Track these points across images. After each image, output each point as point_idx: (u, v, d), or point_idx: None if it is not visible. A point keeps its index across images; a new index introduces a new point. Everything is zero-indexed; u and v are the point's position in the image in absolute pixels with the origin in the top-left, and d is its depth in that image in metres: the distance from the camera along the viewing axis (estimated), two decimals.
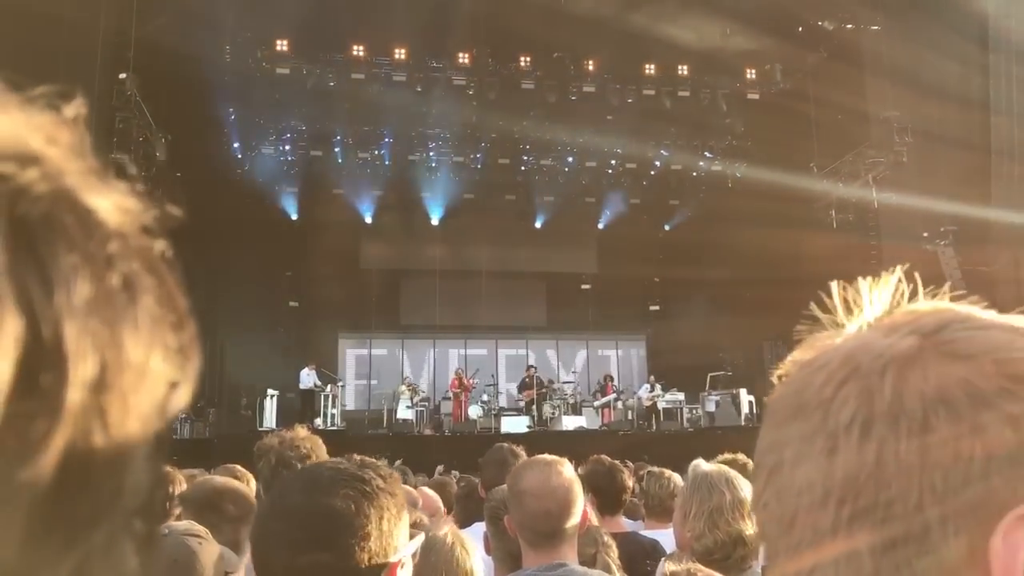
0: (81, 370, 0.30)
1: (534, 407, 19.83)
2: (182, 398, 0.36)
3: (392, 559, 1.45)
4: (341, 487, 1.45)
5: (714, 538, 2.66)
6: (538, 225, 24.80)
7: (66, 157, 0.32)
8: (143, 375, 0.33)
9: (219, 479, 3.28)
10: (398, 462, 10.43)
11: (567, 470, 2.60)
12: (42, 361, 0.29)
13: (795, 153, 19.96)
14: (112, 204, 0.33)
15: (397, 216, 24.32)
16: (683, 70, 21.04)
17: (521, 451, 4.50)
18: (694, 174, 23.68)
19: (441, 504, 5.10)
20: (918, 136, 17.65)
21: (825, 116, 19.17)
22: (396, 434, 18.31)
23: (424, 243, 24.12)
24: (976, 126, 16.49)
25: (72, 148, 0.33)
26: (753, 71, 21.19)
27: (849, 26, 19.27)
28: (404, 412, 19.55)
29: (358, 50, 20.09)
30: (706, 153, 23.60)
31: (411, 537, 1.54)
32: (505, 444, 4.70)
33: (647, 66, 20.94)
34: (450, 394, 20.76)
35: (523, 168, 23.38)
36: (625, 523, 4.69)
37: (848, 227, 20.06)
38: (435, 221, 24.26)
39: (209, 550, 2.42)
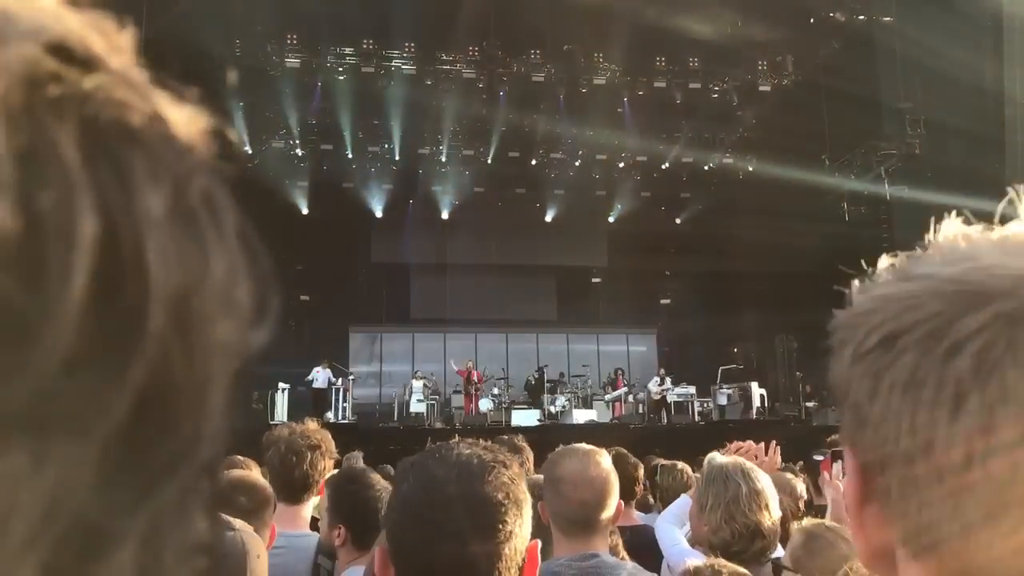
0: (164, 287, 0.27)
1: (543, 401, 19.88)
2: (263, 335, 0.33)
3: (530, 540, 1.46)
4: (492, 473, 1.45)
5: (731, 530, 2.65)
6: (548, 219, 24.76)
7: (133, 64, 0.30)
8: (228, 302, 0.30)
9: (233, 472, 3.29)
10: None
11: (605, 461, 2.57)
12: (123, 272, 0.26)
13: (807, 145, 19.86)
14: (185, 117, 0.31)
15: (407, 210, 24.33)
16: (694, 62, 20.96)
17: (523, 442, 4.50)
18: (705, 167, 23.58)
19: None
20: (931, 128, 17.54)
21: (837, 108, 19.06)
22: (407, 428, 18.33)
23: (434, 237, 24.11)
24: (990, 117, 16.37)
25: (136, 60, 0.31)
26: (765, 63, 21.09)
27: (861, 17, 19.15)
28: (416, 406, 19.59)
29: (368, 44, 20.09)
30: (717, 145, 23.51)
31: None
32: (505, 436, 4.70)
33: (658, 58, 20.87)
34: (461, 388, 20.79)
35: (533, 161, 23.34)
36: (637, 516, 4.68)
37: (860, 219, 19.97)
38: (445, 215, 24.25)
39: (257, 543, 2.43)
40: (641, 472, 4.64)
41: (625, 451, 4.58)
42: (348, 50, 20.08)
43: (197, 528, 0.30)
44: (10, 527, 0.24)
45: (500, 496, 1.43)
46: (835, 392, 0.61)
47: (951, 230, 0.64)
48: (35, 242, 0.24)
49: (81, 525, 0.25)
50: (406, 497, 1.49)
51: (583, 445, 2.65)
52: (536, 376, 21.20)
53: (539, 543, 1.46)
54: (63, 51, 0.27)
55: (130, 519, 0.27)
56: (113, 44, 0.30)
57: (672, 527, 3.55)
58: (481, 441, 1.61)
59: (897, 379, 0.55)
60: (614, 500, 2.51)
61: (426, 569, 1.41)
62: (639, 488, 4.65)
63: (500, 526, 1.41)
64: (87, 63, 0.28)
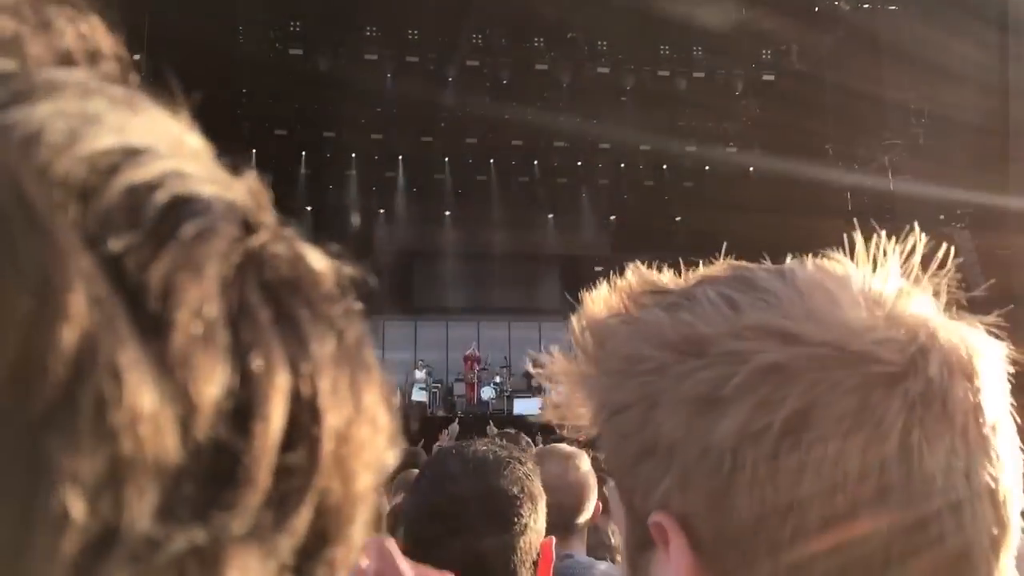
0: (333, 421, 0.31)
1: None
2: (393, 455, 0.36)
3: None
4: (507, 468, 1.45)
5: None
6: (551, 207, 24.72)
7: (275, 218, 0.34)
8: (376, 428, 0.34)
9: None
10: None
11: (584, 464, 2.57)
12: (304, 413, 0.30)
13: (810, 135, 19.81)
14: (326, 264, 0.35)
15: (410, 198, 24.28)
16: (698, 51, 20.87)
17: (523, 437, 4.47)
18: (709, 156, 23.51)
19: None
20: (934, 119, 17.50)
21: (841, 98, 19.00)
22: (409, 416, 18.36)
23: (437, 225, 24.08)
24: (994, 110, 16.32)
25: (271, 208, 0.35)
26: (768, 52, 21.01)
27: (866, 6, 19.07)
28: (417, 394, 19.62)
29: (371, 31, 20.03)
30: (720, 135, 23.44)
31: None
32: (510, 430, 4.69)
33: (662, 47, 20.79)
34: (462, 376, 20.82)
35: (537, 150, 23.28)
36: None
37: (863, 210, 19.92)
38: (448, 203, 24.21)
39: None
40: None
41: None
42: (351, 37, 20.02)
43: None
44: None
45: (515, 490, 1.44)
46: (656, 442, 0.57)
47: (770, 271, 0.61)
48: (245, 394, 0.28)
49: None
50: (423, 492, 1.50)
51: (563, 446, 2.64)
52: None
53: (553, 540, 1.46)
54: (247, 225, 0.31)
55: None
56: (259, 200, 0.34)
57: None
58: (497, 440, 1.61)
59: (807, 464, 0.53)
60: (591, 503, 2.52)
61: (442, 563, 1.42)
62: None
63: (515, 519, 1.42)
64: (253, 225, 0.32)
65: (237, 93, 21.09)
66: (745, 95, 21.84)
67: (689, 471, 0.55)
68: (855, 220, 0.63)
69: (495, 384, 20.29)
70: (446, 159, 23.55)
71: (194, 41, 16.11)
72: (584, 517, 2.50)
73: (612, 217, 25.24)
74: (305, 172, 23.28)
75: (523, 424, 13.62)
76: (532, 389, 20.63)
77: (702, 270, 0.65)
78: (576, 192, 24.43)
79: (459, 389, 20.93)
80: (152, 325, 0.27)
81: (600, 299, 0.68)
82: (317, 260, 0.35)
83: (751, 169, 22.89)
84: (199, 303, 0.28)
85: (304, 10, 19.70)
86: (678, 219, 25.01)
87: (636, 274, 0.68)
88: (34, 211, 0.26)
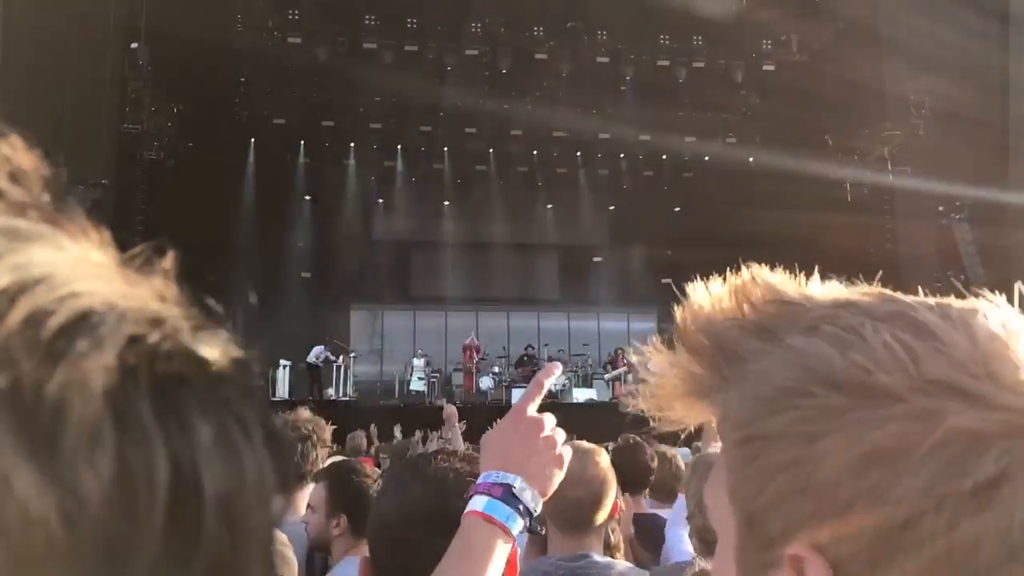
0: (215, 496, 0.36)
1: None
2: (284, 506, 0.42)
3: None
4: (469, 488, 1.45)
5: (703, 519, 2.67)
6: (550, 197, 24.73)
7: (178, 314, 0.38)
8: (259, 494, 0.39)
9: None
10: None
11: (604, 460, 2.57)
12: (187, 492, 0.35)
13: (810, 126, 19.79)
14: (219, 352, 0.39)
15: (409, 187, 24.28)
16: (698, 41, 20.84)
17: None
18: (708, 147, 23.50)
19: None
20: (934, 112, 17.47)
21: (841, 89, 18.97)
22: (408, 405, 18.41)
23: (436, 215, 24.10)
24: (994, 102, 16.29)
25: (178, 302, 0.39)
26: (769, 43, 20.97)
27: None
28: (416, 383, 19.67)
29: (370, 20, 19.98)
30: (720, 125, 23.42)
31: None
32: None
33: (662, 37, 20.75)
34: (461, 366, 20.86)
35: (536, 140, 23.27)
36: (646, 504, 4.61)
37: (863, 202, 19.94)
38: (447, 193, 24.21)
39: (289, 556, 2.42)
40: (656, 463, 4.58)
41: (642, 440, 4.55)
42: (351, 26, 19.97)
43: None
44: None
45: None
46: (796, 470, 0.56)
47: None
48: (128, 485, 0.33)
49: None
50: (384, 514, 1.50)
51: (583, 443, 2.63)
52: (525, 354, 21.24)
53: (519, 550, 1.46)
54: (139, 339, 0.35)
55: None
56: (163, 296, 0.38)
57: (681, 531, 3.58)
58: (461, 452, 1.60)
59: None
60: (610, 500, 2.51)
61: None
62: (652, 479, 4.59)
63: None
64: (150, 323, 0.36)
65: (236, 82, 21.05)
66: (745, 86, 21.80)
67: (852, 518, 0.54)
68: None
69: (494, 374, 20.34)
70: (445, 149, 23.54)
71: (193, 30, 16.07)
72: (602, 515, 2.49)
73: (611, 207, 25.25)
74: (304, 161, 23.28)
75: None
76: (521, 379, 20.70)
77: (836, 287, 0.64)
78: (575, 182, 24.42)
79: (457, 379, 20.96)
80: (44, 437, 0.31)
81: (709, 296, 0.66)
82: (209, 350, 0.38)
83: (750, 160, 22.87)
84: (85, 415, 0.32)
85: None
86: (677, 209, 25.02)
87: (753, 274, 0.66)
88: None
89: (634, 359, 0.71)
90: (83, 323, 0.34)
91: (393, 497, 1.54)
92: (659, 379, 0.67)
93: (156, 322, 0.37)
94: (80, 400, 0.32)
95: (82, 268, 0.37)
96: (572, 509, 2.45)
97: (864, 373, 0.55)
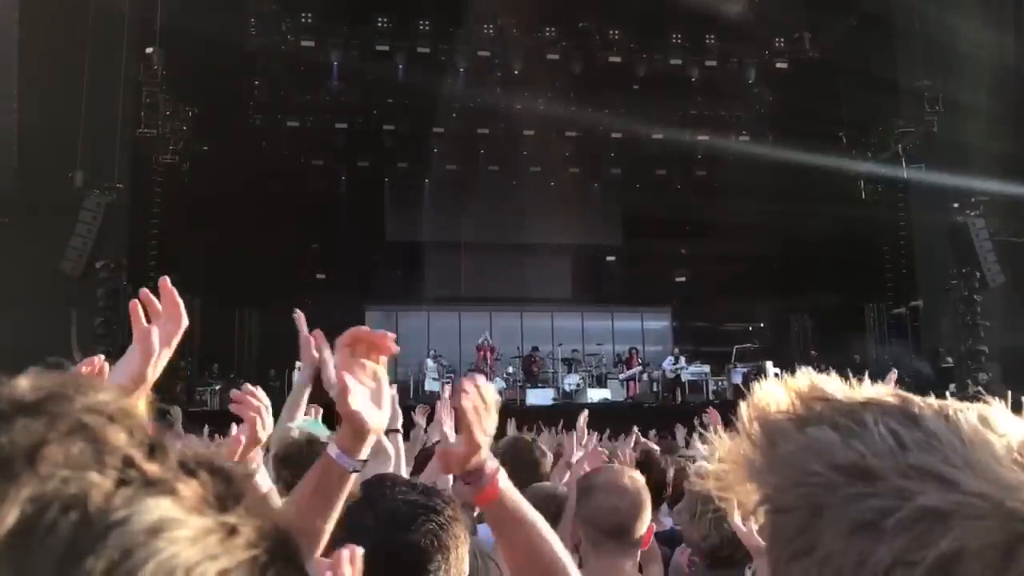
0: None
1: (556, 379, 19.99)
2: None
3: None
4: (419, 521, 1.45)
5: (720, 536, 2.70)
6: (563, 196, 24.67)
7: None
8: None
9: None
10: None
11: (639, 476, 2.63)
12: None
13: (824, 123, 19.69)
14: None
15: (422, 188, 24.31)
16: (710, 39, 20.77)
17: (543, 446, 4.32)
18: (721, 145, 23.42)
19: None
20: (949, 106, 17.34)
21: (854, 85, 18.88)
22: (422, 405, 18.42)
23: (450, 215, 24.09)
24: (1010, 96, 16.18)
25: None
26: (781, 40, 20.88)
27: None
28: (430, 384, 19.67)
29: (382, 22, 20.02)
30: (733, 124, 23.33)
31: None
32: (522, 437, 4.60)
33: (674, 35, 20.70)
34: (475, 366, 20.83)
35: (549, 139, 23.23)
36: (667, 522, 4.47)
37: (877, 198, 19.83)
38: (460, 193, 24.20)
39: None
40: (671, 475, 4.56)
41: (655, 452, 4.50)
42: (363, 28, 20.03)
43: None
44: None
45: (424, 543, 1.44)
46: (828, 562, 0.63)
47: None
48: None
49: None
50: (336, 541, 1.50)
51: (615, 465, 2.82)
52: (527, 355, 21.23)
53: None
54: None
55: None
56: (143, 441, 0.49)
57: None
58: (419, 484, 1.61)
59: None
60: (647, 515, 2.50)
61: None
62: (668, 491, 4.55)
63: (424, 573, 1.42)
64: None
65: (249, 84, 21.14)
66: (758, 83, 21.72)
67: None
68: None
69: (507, 375, 20.33)
70: (458, 150, 23.53)
71: (207, 33, 16.16)
72: (639, 528, 2.47)
73: (624, 206, 25.18)
74: (317, 164, 23.34)
75: (538, 414, 13.69)
76: (541, 380, 20.71)
77: (870, 389, 0.72)
78: (588, 182, 24.37)
79: None
80: None
81: (771, 393, 0.74)
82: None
83: (764, 157, 22.78)
84: None
85: (315, 2, 19.72)
86: (690, 208, 24.93)
87: (808, 378, 0.74)
88: None
89: (702, 449, 0.81)
90: None
91: (345, 530, 1.55)
92: (722, 464, 0.76)
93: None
94: None
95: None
96: (609, 516, 2.45)
97: (859, 457, 0.64)
